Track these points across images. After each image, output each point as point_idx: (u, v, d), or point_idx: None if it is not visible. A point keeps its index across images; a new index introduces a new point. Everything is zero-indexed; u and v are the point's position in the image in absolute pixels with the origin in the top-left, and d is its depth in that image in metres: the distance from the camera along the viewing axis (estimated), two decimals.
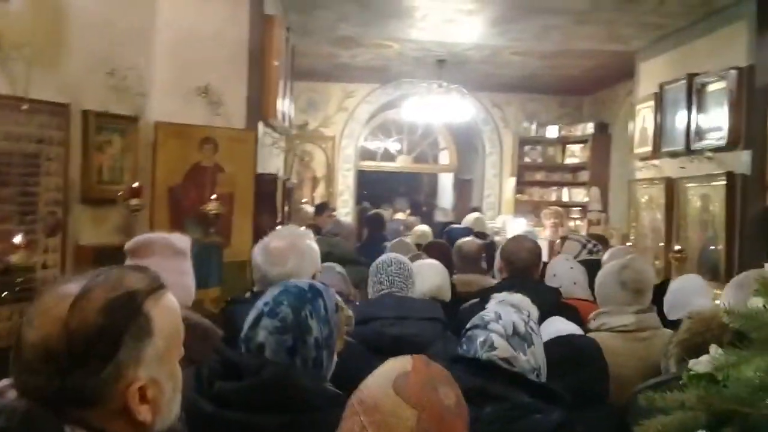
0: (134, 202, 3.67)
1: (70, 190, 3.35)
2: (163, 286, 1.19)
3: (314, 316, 1.65)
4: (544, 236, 6.78)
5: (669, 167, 5.99)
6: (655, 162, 6.26)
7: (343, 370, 1.71)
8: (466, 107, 8.74)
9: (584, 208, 9.45)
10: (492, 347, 1.80)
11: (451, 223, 8.54)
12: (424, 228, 6.87)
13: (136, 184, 3.71)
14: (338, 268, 3.35)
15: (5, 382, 1.13)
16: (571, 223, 9.13)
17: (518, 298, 1.94)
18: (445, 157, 11.89)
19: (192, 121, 4.23)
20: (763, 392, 0.99)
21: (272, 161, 5.52)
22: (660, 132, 6.11)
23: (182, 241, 2.20)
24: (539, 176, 10.20)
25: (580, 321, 2.77)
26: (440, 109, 8.48)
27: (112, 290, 1.11)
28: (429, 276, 3.43)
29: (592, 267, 3.67)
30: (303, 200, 8.82)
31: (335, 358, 1.71)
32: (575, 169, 9.96)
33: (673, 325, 2.83)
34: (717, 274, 5.10)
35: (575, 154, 9.93)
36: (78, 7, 3.41)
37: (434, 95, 8.40)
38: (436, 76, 8.39)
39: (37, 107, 3.05)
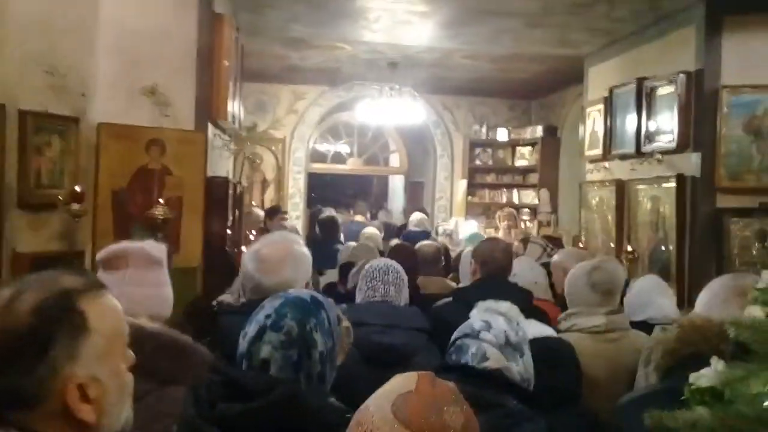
0: (76, 207, 3.48)
1: (6, 195, 3.16)
2: (101, 287, 1.20)
3: (318, 329, 1.57)
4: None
5: (619, 169, 6.06)
6: (606, 164, 6.33)
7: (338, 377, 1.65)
8: (417, 110, 8.71)
9: (534, 209, 9.54)
10: (484, 357, 1.74)
11: (404, 225, 8.51)
12: (372, 230, 6.88)
13: (77, 188, 3.51)
14: None
15: None
16: (522, 225, 9.21)
17: (506, 306, 1.88)
18: (395, 160, 11.87)
19: (138, 122, 4.05)
20: None
21: (222, 164, 5.36)
22: (610, 135, 6.19)
23: (158, 250, 2.05)
24: (490, 178, 10.28)
25: (548, 322, 2.74)
26: (392, 111, 8.43)
27: (45, 290, 1.12)
28: None
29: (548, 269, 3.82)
30: (253, 204, 8.64)
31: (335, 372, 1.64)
32: (525, 171, 10.06)
33: (636, 325, 2.85)
34: (668, 274, 5.16)
35: (525, 157, 10.02)
36: (14, 2, 3.22)
37: (386, 98, 8.34)
38: (388, 78, 8.33)
39: None
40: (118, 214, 3.96)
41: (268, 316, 1.58)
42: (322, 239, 6.50)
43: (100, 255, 2.05)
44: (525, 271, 3.55)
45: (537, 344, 2.20)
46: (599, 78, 6.71)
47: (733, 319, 1.01)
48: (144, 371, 1.70)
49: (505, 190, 10.17)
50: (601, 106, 6.37)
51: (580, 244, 6.38)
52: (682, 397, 1.10)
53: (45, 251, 3.31)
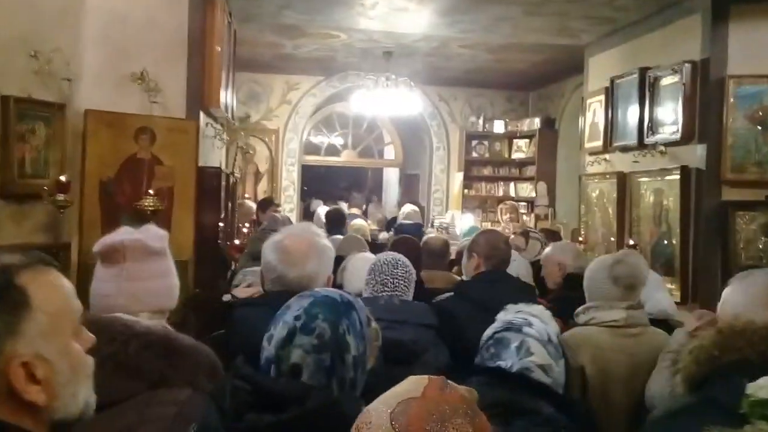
0: (61, 197, 3.35)
1: None
2: (47, 263, 1.16)
3: (351, 331, 1.45)
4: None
5: (621, 162, 5.94)
6: (606, 156, 6.21)
7: None
8: (413, 101, 8.57)
9: (531, 203, 9.43)
10: (528, 352, 1.65)
11: (395, 218, 8.38)
12: (360, 222, 6.77)
13: (63, 178, 3.38)
14: None
15: None
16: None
17: (539, 309, 1.77)
18: (390, 152, 11.73)
19: (126, 110, 3.92)
20: None
21: (214, 154, 5.21)
22: (611, 126, 6.07)
23: (158, 239, 1.91)
24: (486, 171, 10.17)
25: None
26: (388, 102, 8.28)
27: None
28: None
29: None
30: (246, 196, 8.49)
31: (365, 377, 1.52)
32: (522, 164, 9.95)
33: None
34: (671, 268, 5.08)
35: (522, 149, 9.91)
36: None
37: (381, 88, 8.19)
38: (383, 68, 8.18)
39: None
40: (105, 205, 3.83)
41: (297, 317, 1.46)
42: (328, 232, 6.35)
43: (97, 247, 1.92)
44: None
45: None
46: (600, 68, 6.58)
47: None
48: (129, 371, 1.58)
49: (501, 182, 10.07)
50: (601, 97, 6.25)
51: (580, 238, 6.28)
52: (731, 411, 0.97)
53: (29, 244, 3.18)
